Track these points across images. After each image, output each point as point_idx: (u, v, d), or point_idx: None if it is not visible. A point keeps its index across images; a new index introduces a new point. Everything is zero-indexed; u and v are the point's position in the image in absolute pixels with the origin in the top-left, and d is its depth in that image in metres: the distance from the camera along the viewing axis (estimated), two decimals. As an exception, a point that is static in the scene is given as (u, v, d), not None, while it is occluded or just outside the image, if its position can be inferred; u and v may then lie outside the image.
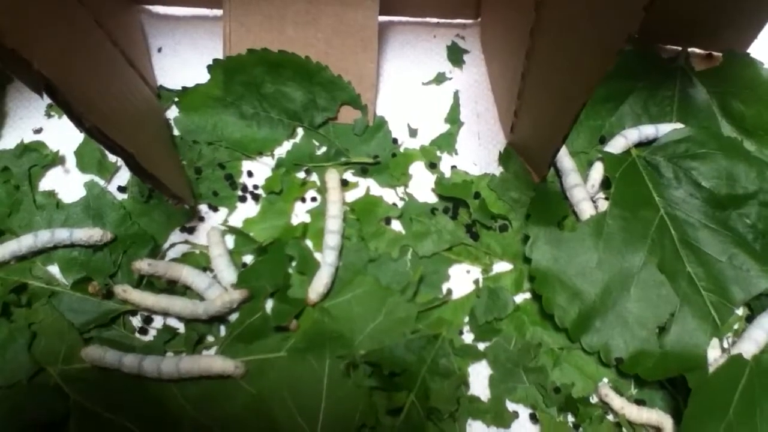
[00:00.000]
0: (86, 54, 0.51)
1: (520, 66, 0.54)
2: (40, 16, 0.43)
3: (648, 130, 0.61)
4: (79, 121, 0.42)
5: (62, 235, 0.58)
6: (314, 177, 0.64)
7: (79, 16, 0.53)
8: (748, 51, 0.65)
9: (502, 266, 0.59)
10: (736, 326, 0.55)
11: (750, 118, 0.62)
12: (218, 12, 0.69)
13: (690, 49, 0.67)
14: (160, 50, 0.70)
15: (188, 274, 0.57)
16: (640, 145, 0.62)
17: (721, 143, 0.60)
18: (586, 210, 0.58)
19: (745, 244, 0.56)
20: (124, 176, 0.63)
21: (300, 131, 0.65)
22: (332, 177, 0.61)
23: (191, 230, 0.61)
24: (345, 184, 0.63)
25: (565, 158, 0.60)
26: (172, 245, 0.60)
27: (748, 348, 0.51)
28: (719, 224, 0.57)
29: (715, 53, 0.67)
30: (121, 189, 0.62)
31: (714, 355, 0.52)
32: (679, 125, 0.61)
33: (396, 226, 0.61)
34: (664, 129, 0.61)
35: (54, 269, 0.58)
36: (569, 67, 0.46)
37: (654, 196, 0.58)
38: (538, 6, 0.47)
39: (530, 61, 0.51)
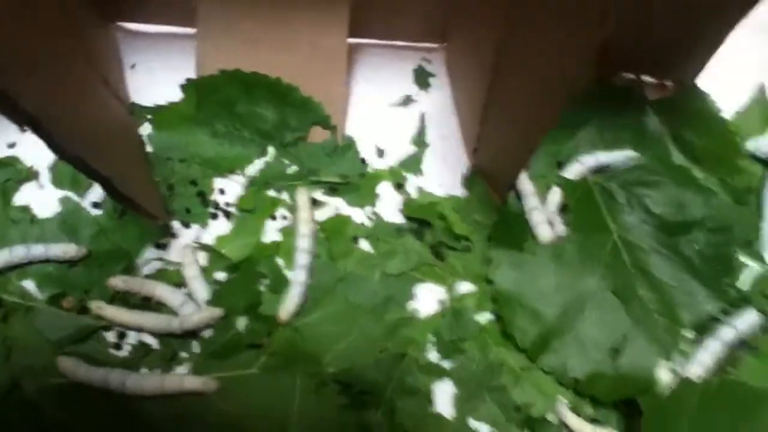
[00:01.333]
0: (63, 79, 0.52)
1: (483, 93, 0.56)
2: (21, 50, 0.44)
3: (603, 157, 0.65)
4: (58, 151, 0.43)
5: (37, 251, 0.58)
6: (285, 195, 0.65)
7: (55, 39, 0.53)
8: (696, 82, 0.68)
9: (465, 286, 0.62)
10: (686, 349, 0.58)
11: (699, 148, 0.66)
12: (191, 30, 0.70)
13: (643, 78, 0.70)
14: (133, 67, 0.71)
15: (162, 291, 0.58)
16: (596, 171, 0.65)
17: (672, 171, 0.63)
18: (545, 233, 0.61)
19: (693, 269, 0.60)
20: (98, 192, 0.64)
21: (271, 150, 0.67)
22: (302, 196, 0.63)
23: (164, 246, 0.62)
24: (315, 203, 0.65)
25: (525, 182, 0.63)
26: (147, 261, 0.61)
27: (696, 371, 0.54)
28: (669, 249, 0.60)
29: (666, 83, 0.70)
30: (95, 204, 0.63)
31: (666, 377, 0.56)
32: (633, 153, 0.65)
33: (364, 245, 0.63)
34: (618, 156, 0.65)
35: (29, 284, 0.59)
36: (530, 97, 0.48)
37: (608, 221, 0.62)
38: (500, 38, 0.49)
39: (492, 91, 0.54)
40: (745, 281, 0.61)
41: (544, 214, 0.62)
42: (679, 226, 0.61)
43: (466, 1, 0.58)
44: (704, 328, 0.59)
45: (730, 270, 0.61)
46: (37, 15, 0.48)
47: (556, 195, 0.63)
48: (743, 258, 0.62)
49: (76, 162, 0.44)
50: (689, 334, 0.59)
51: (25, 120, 0.39)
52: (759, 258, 0.62)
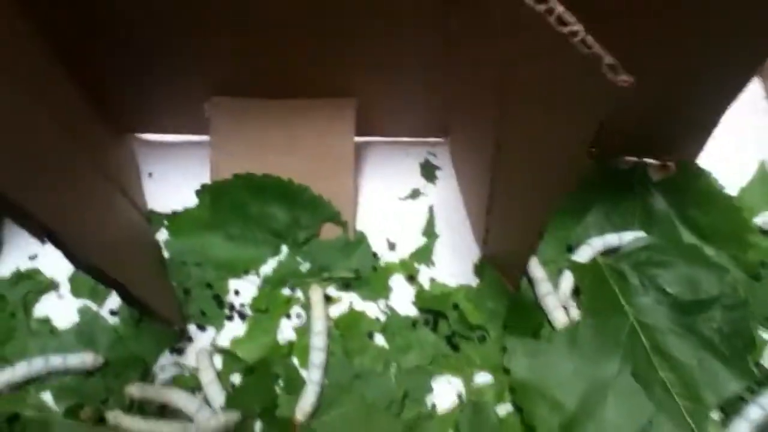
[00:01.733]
0: (81, 192, 0.54)
1: (487, 185, 0.58)
2: (40, 165, 0.47)
3: (612, 239, 0.65)
4: (76, 262, 0.44)
5: (56, 362, 0.59)
6: (299, 293, 0.66)
7: (73, 153, 0.56)
8: (697, 161, 0.69)
9: (483, 377, 0.61)
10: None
11: (707, 226, 0.66)
12: (205, 138, 0.73)
13: (646, 160, 0.72)
14: (150, 175, 0.74)
15: (178, 398, 0.58)
16: (606, 253, 0.65)
17: (682, 250, 0.64)
18: (560, 319, 0.61)
19: (713, 348, 0.59)
20: (116, 299, 0.65)
21: (284, 249, 0.69)
22: (316, 293, 0.64)
23: (180, 351, 0.63)
24: (328, 299, 0.66)
25: (536, 268, 0.63)
26: (163, 367, 0.62)
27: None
28: (687, 329, 0.60)
29: (668, 163, 0.71)
30: (113, 312, 0.64)
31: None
32: (642, 233, 0.65)
33: (379, 339, 0.63)
34: (627, 237, 0.65)
35: (47, 396, 0.59)
36: (533, 185, 0.49)
37: (623, 303, 0.61)
38: (497, 133, 0.51)
39: (495, 183, 0.55)
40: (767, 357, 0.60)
41: (557, 300, 0.62)
42: (695, 304, 0.61)
43: (463, 99, 0.60)
44: (730, 408, 0.57)
45: (751, 346, 0.60)
46: (53, 130, 0.51)
47: (568, 279, 0.63)
48: (763, 333, 0.62)
49: (92, 272, 0.46)
50: (715, 416, 0.57)
51: (43, 233, 0.41)
52: (780, 333, 0.62)
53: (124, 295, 0.50)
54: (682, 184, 0.68)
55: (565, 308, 0.62)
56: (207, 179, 0.70)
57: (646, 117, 0.64)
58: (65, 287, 0.66)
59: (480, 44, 0.49)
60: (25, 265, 0.67)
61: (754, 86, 0.76)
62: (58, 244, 0.41)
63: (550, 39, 0.34)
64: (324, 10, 0.56)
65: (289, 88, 0.66)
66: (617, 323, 0.60)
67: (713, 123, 0.63)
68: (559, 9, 0.34)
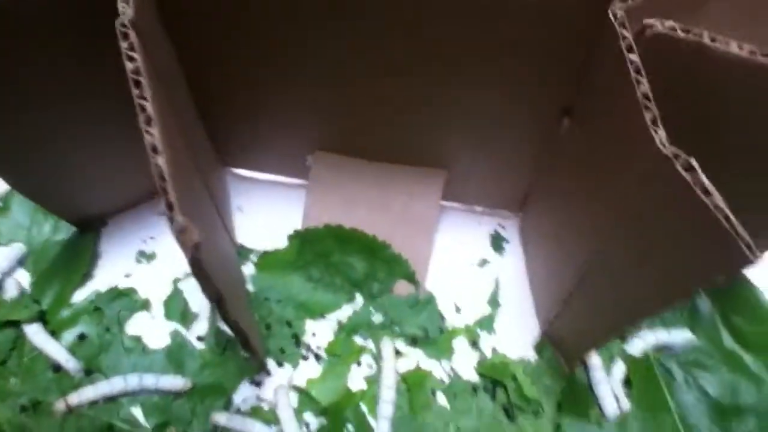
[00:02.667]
0: (213, 230, 0.59)
1: (564, 280, 0.63)
2: (199, 213, 0.51)
3: (663, 336, 0.71)
4: (227, 319, 0.49)
5: (149, 381, 0.64)
6: (370, 343, 0.72)
7: (203, 192, 0.60)
8: (747, 273, 0.76)
9: (534, 448, 0.67)
10: None
11: (749, 335, 0.72)
12: (293, 180, 0.78)
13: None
14: (240, 209, 0.79)
15: (259, 430, 0.64)
16: (655, 348, 0.71)
17: (725, 356, 0.70)
18: (610, 406, 0.66)
19: (745, 452, 0.65)
20: (203, 326, 0.70)
21: (359, 298, 0.74)
22: (388, 347, 0.70)
23: (259, 384, 0.68)
24: (397, 353, 0.71)
25: (593, 356, 0.69)
26: (242, 397, 0.67)
27: None
28: (723, 430, 0.66)
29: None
30: (200, 338, 0.69)
31: None
32: (689, 334, 0.71)
33: (440, 398, 0.69)
34: (677, 335, 0.71)
35: (137, 412, 0.64)
36: (618, 301, 0.55)
37: (668, 399, 0.67)
38: (600, 246, 0.55)
39: (581, 283, 0.60)
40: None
41: (609, 387, 0.68)
42: (732, 409, 0.67)
43: (556, 190, 0.65)
44: None
45: (779, 456, 0.66)
46: (191, 161, 0.55)
47: (620, 369, 0.69)
48: (789, 443, 0.68)
49: (233, 325, 0.50)
50: None
51: (215, 297, 0.45)
52: (805, 445, 0.68)
53: (245, 343, 0.55)
54: (728, 291, 0.75)
55: (616, 395, 0.68)
56: (293, 220, 0.75)
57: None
58: (156, 308, 0.71)
59: (599, 165, 0.54)
60: (120, 281, 0.71)
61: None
62: (221, 308, 0.46)
63: (690, 204, 0.39)
64: (431, 87, 0.60)
65: (386, 152, 0.72)
66: (662, 418, 0.66)
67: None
68: (705, 180, 0.39)
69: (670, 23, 0.45)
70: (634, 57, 0.44)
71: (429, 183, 0.74)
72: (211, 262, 0.45)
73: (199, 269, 0.41)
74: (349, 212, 0.74)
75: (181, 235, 0.38)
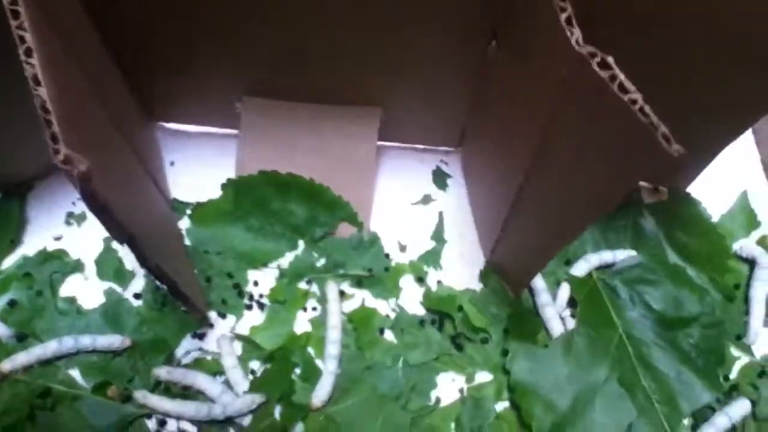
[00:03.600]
0: (134, 186, 0.57)
1: (504, 205, 0.62)
2: (109, 161, 0.49)
3: (607, 256, 0.71)
4: (147, 264, 0.47)
5: (85, 341, 0.62)
6: (314, 288, 0.70)
7: (123, 146, 0.58)
8: (689, 190, 0.76)
9: (483, 376, 0.67)
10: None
11: (691, 249, 0.72)
12: (227, 130, 0.76)
13: (640, 183, 0.78)
14: (172, 164, 0.76)
15: (203, 381, 0.62)
16: (600, 268, 0.71)
17: (668, 271, 0.70)
18: (556, 327, 0.66)
19: (690, 361, 0.65)
20: (139, 283, 0.68)
21: (301, 244, 0.73)
22: (332, 289, 0.68)
23: (202, 336, 0.67)
24: (342, 295, 0.70)
25: (537, 279, 0.69)
26: (185, 351, 0.65)
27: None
28: (668, 343, 0.66)
29: (660, 187, 0.77)
30: (136, 296, 0.67)
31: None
32: (633, 252, 0.72)
33: (388, 334, 0.68)
34: (620, 255, 0.71)
35: (75, 373, 0.63)
36: (553, 218, 0.54)
37: (613, 316, 0.68)
38: (531, 166, 0.55)
39: (515, 207, 0.60)
40: (735, 372, 0.68)
41: (555, 310, 0.67)
42: (677, 321, 0.67)
43: (490, 120, 0.64)
44: (701, 416, 0.65)
45: (722, 362, 0.67)
46: (106, 118, 0.53)
47: (565, 291, 0.69)
48: (734, 351, 0.69)
49: (156, 271, 0.49)
50: (686, 421, 0.64)
51: (124, 237, 0.44)
52: (747, 350, 0.69)
53: (175, 290, 0.53)
54: (672, 209, 0.75)
55: (562, 318, 0.68)
56: (227, 171, 0.73)
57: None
58: (90, 269, 0.69)
59: (525, 82, 0.53)
60: (50, 245, 0.69)
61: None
62: (134, 248, 0.44)
63: (608, 102, 0.38)
64: (360, 20, 0.58)
65: (318, 94, 0.70)
66: (608, 335, 0.66)
67: (713, 156, 0.69)
68: (621, 77, 0.38)
69: None
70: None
71: (365, 122, 0.72)
72: (117, 202, 0.43)
73: (93, 201, 0.39)
74: (285, 157, 0.72)
75: (64, 164, 0.36)
